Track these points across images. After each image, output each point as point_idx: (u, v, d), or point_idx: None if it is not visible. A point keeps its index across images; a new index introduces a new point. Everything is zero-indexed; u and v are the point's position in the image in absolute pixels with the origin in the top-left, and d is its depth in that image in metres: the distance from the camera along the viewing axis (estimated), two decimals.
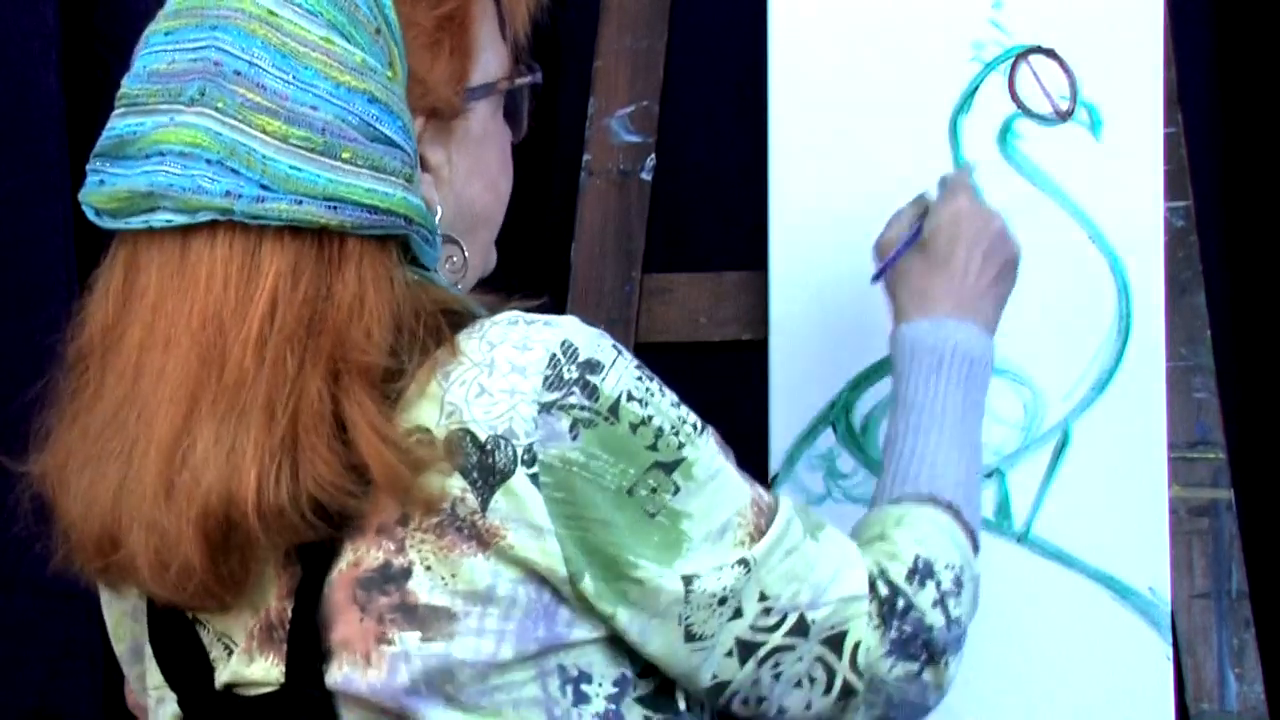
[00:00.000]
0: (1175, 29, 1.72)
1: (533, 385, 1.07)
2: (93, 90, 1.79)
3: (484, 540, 1.07)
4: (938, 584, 1.20)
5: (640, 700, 1.14)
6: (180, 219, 1.08)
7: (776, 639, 1.13)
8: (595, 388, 1.08)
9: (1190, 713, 1.65)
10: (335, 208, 1.08)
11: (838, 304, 1.67)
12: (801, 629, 1.14)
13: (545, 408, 1.06)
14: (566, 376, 1.07)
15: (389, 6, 1.13)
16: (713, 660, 1.12)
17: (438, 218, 1.16)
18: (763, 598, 1.12)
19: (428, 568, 1.07)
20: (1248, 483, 1.73)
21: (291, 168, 1.07)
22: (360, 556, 1.08)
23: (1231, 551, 1.67)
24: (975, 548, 1.28)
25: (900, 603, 1.17)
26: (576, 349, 1.09)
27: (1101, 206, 1.67)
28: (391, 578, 1.08)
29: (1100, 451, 1.66)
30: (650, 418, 1.09)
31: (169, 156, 1.08)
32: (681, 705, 1.16)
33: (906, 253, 1.44)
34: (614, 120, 1.78)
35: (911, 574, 1.19)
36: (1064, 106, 1.53)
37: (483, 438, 1.06)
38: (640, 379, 1.10)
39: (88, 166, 1.13)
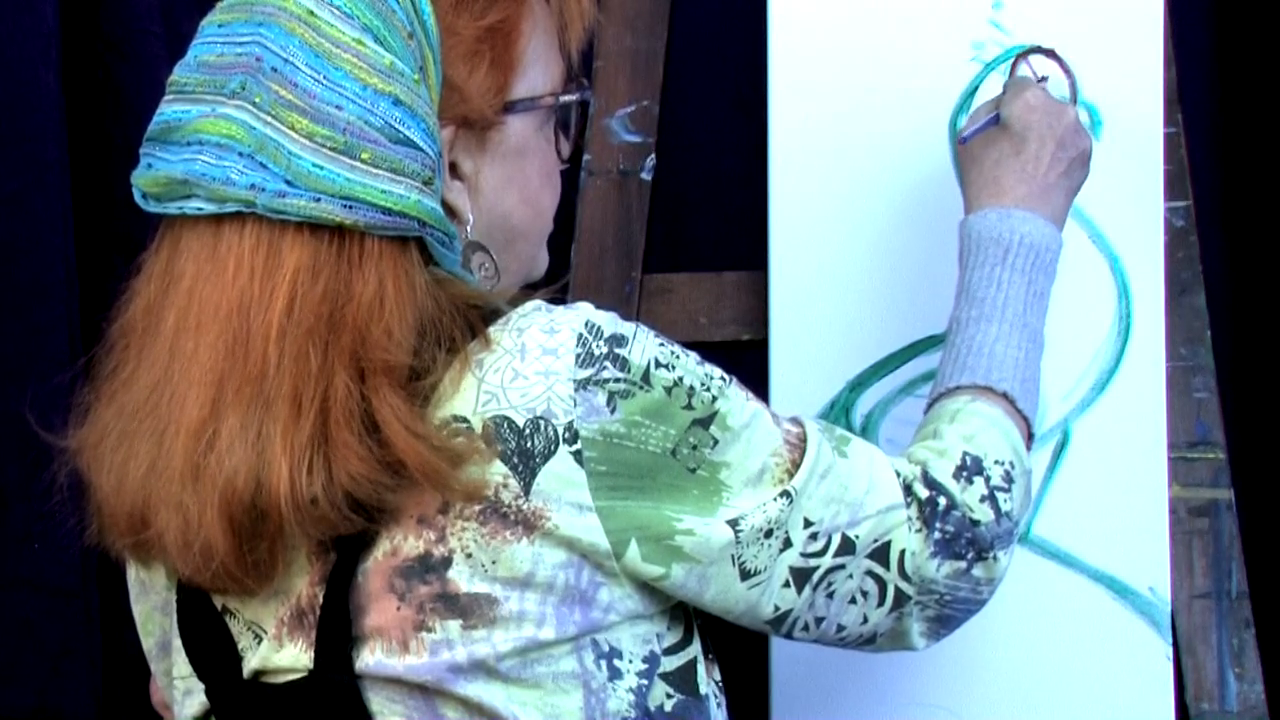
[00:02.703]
0: (1175, 29, 1.72)
1: (566, 364, 1.09)
2: (93, 90, 1.79)
3: (529, 524, 1.09)
4: (987, 479, 1.22)
5: (665, 677, 1.16)
6: (211, 208, 1.11)
7: (827, 561, 1.16)
8: (625, 359, 1.11)
9: (1190, 713, 1.65)
10: (351, 207, 1.10)
11: (838, 304, 1.67)
12: (848, 547, 1.17)
13: (581, 384, 1.09)
14: (597, 352, 1.10)
15: (427, 13, 1.15)
16: (770, 592, 1.16)
17: (469, 225, 1.19)
18: (808, 524, 1.16)
19: (468, 555, 1.09)
20: (1248, 483, 1.73)
21: (314, 165, 1.10)
22: (398, 545, 1.10)
23: (1231, 551, 1.67)
24: (1030, 436, 1.31)
25: (942, 502, 1.20)
26: (600, 326, 1.12)
27: (1101, 206, 1.67)
28: (432, 567, 1.10)
29: (1100, 451, 1.66)
30: (681, 379, 1.12)
31: (207, 146, 1.11)
32: (703, 689, 1.18)
33: (980, 138, 1.45)
34: (614, 120, 1.78)
35: (960, 470, 1.22)
36: None
37: (520, 422, 1.08)
38: (663, 345, 1.14)
39: (140, 150, 1.16)
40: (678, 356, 1.14)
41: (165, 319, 1.13)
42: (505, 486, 1.09)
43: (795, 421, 1.19)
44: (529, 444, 1.08)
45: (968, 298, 1.36)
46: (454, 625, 1.10)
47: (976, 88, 1.67)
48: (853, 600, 1.18)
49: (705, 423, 1.13)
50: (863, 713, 1.65)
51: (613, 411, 1.10)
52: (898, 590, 1.19)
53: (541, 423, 1.08)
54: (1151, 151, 1.68)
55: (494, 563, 1.09)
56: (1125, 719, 1.64)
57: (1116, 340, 1.67)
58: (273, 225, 1.10)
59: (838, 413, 1.68)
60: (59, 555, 1.73)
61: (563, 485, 1.09)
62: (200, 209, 1.12)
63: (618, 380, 1.10)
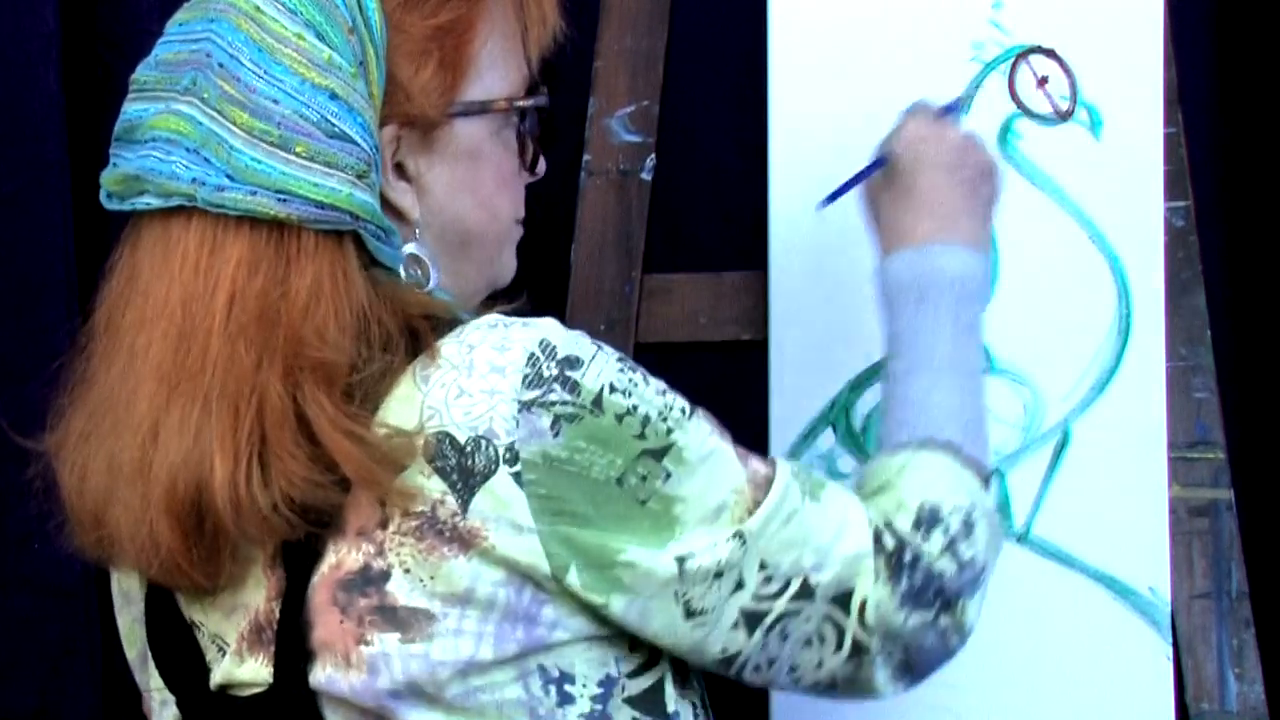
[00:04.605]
0: (1175, 29, 1.71)
1: (512, 384, 1.07)
2: (93, 90, 1.79)
3: (465, 542, 1.07)
4: (945, 529, 1.18)
5: (629, 701, 1.14)
6: (158, 203, 1.12)
7: (782, 605, 1.13)
8: (576, 383, 1.08)
9: (1190, 713, 1.65)
10: (285, 200, 1.10)
11: (838, 304, 1.67)
12: (806, 592, 1.13)
13: (525, 406, 1.07)
14: (546, 374, 1.08)
15: (371, 8, 1.14)
16: (718, 634, 1.12)
17: (417, 225, 1.18)
18: (763, 566, 1.12)
19: (406, 570, 1.08)
20: (1248, 483, 1.73)
21: (253, 159, 1.10)
22: (341, 559, 1.09)
23: (1231, 551, 1.67)
24: (985, 480, 1.26)
25: (908, 554, 1.16)
26: (555, 346, 1.09)
27: (1101, 206, 1.67)
28: (371, 580, 1.09)
29: (1100, 451, 1.66)
30: (635, 406, 1.10)
31: (159, 142, 1.12)
32: (671, 707, 1.16)
33: (874, 186, 1.40)
34: (614, 120, 1.78)
35: (918, 524, 1.17)
36: (1064, 106, 1.54)
37: (462, 440, 1.07)
38: (622, 370, 1.11)
39: (110, 150, 1.17)
40: (636, 384, 1.10)
41: (125, 316, 1.14)
42: (442, 503, 1.07)
43: (768, 462, 1.16)
44: (469, 462, 1.07)
45: (895, 349, 1.31)
46: (391, 639, 1.08)
47: (977, 88, 1.67)
48: (808, 643, 1.15)
49: (657, 454, 1.09)
50: (862, 713, 1.65)
51: (556, 435, 1.07)
52: (855, 640, 1.15)
53: (483, 442, 1.06)
54: (1151, 151, 1.68)
55: (432, 578, 1.08)
56: (1125, 719, 1.64)
57: (1116, 340, 1.67)
58: (215, 220, 1.11)
59: (838, 413, 1.68)
60: (59, 555, 1.71)
61: (501, 506, 1.07)
62: (149, 204, 1.12)
63: (565, 403, 1.08)
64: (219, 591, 1.14)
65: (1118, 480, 1.65)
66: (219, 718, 1.16)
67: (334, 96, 1.11)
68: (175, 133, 1.11)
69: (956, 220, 1.35)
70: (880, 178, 1.40)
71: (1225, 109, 1.82)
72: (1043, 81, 1.53)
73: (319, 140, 1.10)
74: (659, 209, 1.78)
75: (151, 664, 1.22)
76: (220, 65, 1.11)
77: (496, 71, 1.22)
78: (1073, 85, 1.57)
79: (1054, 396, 1.67)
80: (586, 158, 1.77)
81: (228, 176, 1.10)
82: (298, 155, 1.10)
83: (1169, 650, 1.64)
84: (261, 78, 1.11)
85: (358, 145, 1.12)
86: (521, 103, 1.24)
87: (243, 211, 1.10)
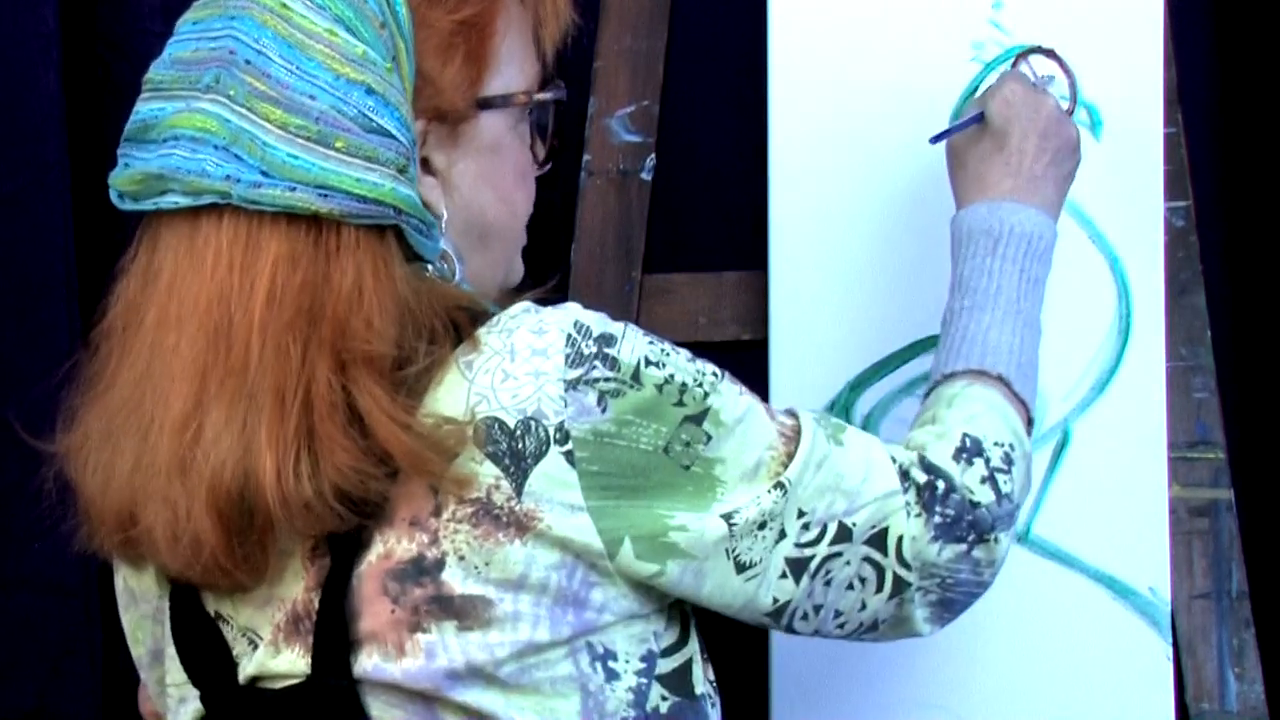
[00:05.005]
0: (1175, 29, 1.72)
1: (555, 365, 1.09)
2: (93, 90, 1.79)
3: (522, 525, 1.08)
4: (986, 460, 1.22)
5: (660, 679, 1.16)
6: (186, 201, 1.11)
7: (823, 550, 1.16)
8: (615, 359, 1.10)
9: (1190, 713, 1.65)
10: (326, 195, 1.10)
11: (838, 304, 1.67)
12: (844, 535, 1.16)
13: (571, 384, 1.09)
14: (586, 352, 1.10)
15: (399, 3, 1.15)
16: (768, 584, 1.15)
17: (443, 221, 1.19)
18: (801, 514, 1.15)
19: (461, 558, 1.09)
20: (1248, 483, 1.73)
21: (289, 155, 1.10)
22: (391, 548, 1.10)
23: (1231, 551, 1.67)
24: (1030, 421, 1.30)
25: (940, 485, 1.19)
26: (589, 326, 1.11)
27: (1101, 206, 1.67)
28: (425, 570, 1.10)
29: (1100, 451, 1.66)
30: (672, 375, 1.12)
31: (182, 141, 1.11)
32: (699, 689, 1.18)
33: (964, 137, 1.45)
34: (614, 120, 1.78)
35: (959, 452, 1.22)
36: (1064, 106, 1.53)
37: (512, 423, 1.08)
38: (652, 343, 1.13)
39: (117, 151, 1.16)
40: (668, 354, 1.13)
41: (145, 316, 1.13)
42: (497, 488, 1.08)
43: (790, 414, 1.19)
44: (520, 445, 1.08)
45: (961, 289, 1.36)
46: (449, 626, 1.10)
47: (977, 88, 1.67)
48: (850, 586, 1.18)
49: (697, 419, 1.12)
50: (862, 713, 1.65)
51: (604, 411, 1.09)
52: (896, 576, 1.18)
53: (532, 423, 1.08)
54: (1151, 151, 1.68)
55: (487, 564, 1.09)
56: (1125, 719, 1.64)
57: (1116, 340, 1.67)
58: (250, 216, 1.10)
59: (838, 413, 1.68)
60: (59, 555, 1.72)
61: (555, 486, 1.08)
62: (176, 203, 1.12)
63: (608, 379, 1.10)
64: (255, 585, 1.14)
65: (1118, 480, 1.65)
66: (249, 710, 1.16)
67: (370, 91, 1.12)
68: (201, 130, 1.11)
69: (1038, 184, 1.40)
70: (974, 131, 1.45)
71: (1225, 109, 1.82)
72: (1045, 82, 1.53)
73: (358, 135, 1.11)
74: (659, 209, 1.78)
75: (169, 660, 1.22)
76: (247, 62, 1.11)
77: (514, 65, 1.24)
78: (1073, 85, 1.57)
79: (1054, 396, 1.67)
80: (586, 158, 1.77)
81: (262, 173, 1.09)
82: (338, 150, 1.10)
83: (1169, 650, 1.64)
84: (294, 74, 1.11)
85: (396, 140, 1.12)
86: (540, 95, 1.26)
87: (281, 207, 1.10)
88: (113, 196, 1.16)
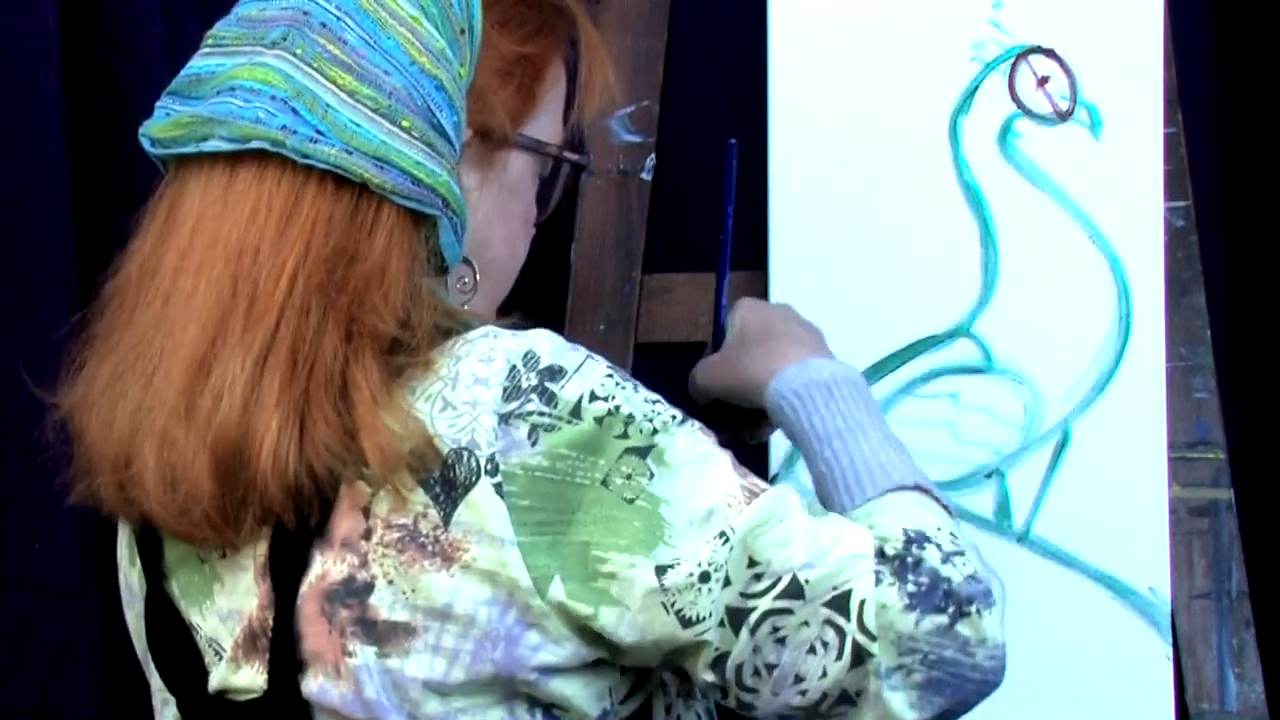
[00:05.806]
0: (1175, 29, 1.72)
1: (493, 396, 1.07)
2: (93, 90, 1.79)
3: (447, 556, 1.07)
4: (938, 546, 1.11)
5: None
6: (231, 146, 1.10)
7: (767, 603, 1.08)
8: (554, 394, 1.07)
9: (1190, 713, 1.65)
10: (382, 167, 1.09)
11: (838, 304, 1.67)
12: (795, 590, 1.08)
13: (504, 418, 1.06)
14: (524, 385, 1.07)
15: (479, 18, 1.15)
16: (711, 635, 1.09)
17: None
18: (752, 564, 1.08)
19: (390, 582, 1.08)
20: (1248, 483, 1.73)
21: (352, 122, 1.09)
22: (327, 569, 1.09)
23: (1231, 551, 1.67)
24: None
25: (910, 559, 1.09)
26: (538, 357, 1.08)
27: (1101, 206, 1.67)
28: (355, 591, 1.08)
29: (1100, 451, 1.66)
30: (617, 408, 1.08)
31: (239, 91, 1.10)
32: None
33: (721, 361, 1.38)
34: (614, 120, 1.78)
35: (908, 543, 1.11)
36: (1064, 106, 1.54)
37: (445, 452, 1.06)
38: (610, 378, 1.09)
39: (156, 104, 1.15)
40: (624, 388, 1.09)
41: (163, 263, 1.11)
42: (424, 516, 1.07)
43: (771, 483, 1.13)
44: (452, 474, 1.06)
45: (821, 442, 1.25)
46: (370, 652, 1.08)
47: (976, 88, 1.67)
48: (812, 650, 1.08)
49: (640, 452, 1.08)
50: None
51: (534, 445, 1.06)
52: (856, 644, 1.08)
53: (465, 453, 1.06)
54: (1151, 151, 1.68)
55: (414, 590, 1.07)
56: (1125, 719, 1.64)
57: (1116, 340, 1.68)
58: (297, 171, 1.09)
59: None
60: (59, 555, 1.72)
61: (483, 518, 1.06)
62: (219, 147, 1.10)
63: (541, 414, 1.07)
64: (217, 580, 1.14)
65: (1118, 480, 1.66)
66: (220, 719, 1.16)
67: (440, 88, 1.12)
68: (261, 82, 1.09)
69: (814, 348, 1.33)
70: (724, 351, 1.38)
71: (1225, 109, 1.82)
72: (1043, 81, 1.53)
73: (423, 123, 1.11)
74: (659, 209, 1.78)
75: (150, 664, 1.22)
76: (323, 25, 1.10)
77: (550, 117, 1.25)
78: (1073, 85, 1.57)
79: (1054, 396, 1.67)
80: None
81: (318, 131, 1.08)
82: (403, 129, 1.10)
83: (1169, 650, 1.64)
84: (371, 47, 1.10)
85: (450, 143, 1.13)
86: (570, 155, 1.26)
87: (332, 166, 1.08)
88: (144, 144, 1.15)
